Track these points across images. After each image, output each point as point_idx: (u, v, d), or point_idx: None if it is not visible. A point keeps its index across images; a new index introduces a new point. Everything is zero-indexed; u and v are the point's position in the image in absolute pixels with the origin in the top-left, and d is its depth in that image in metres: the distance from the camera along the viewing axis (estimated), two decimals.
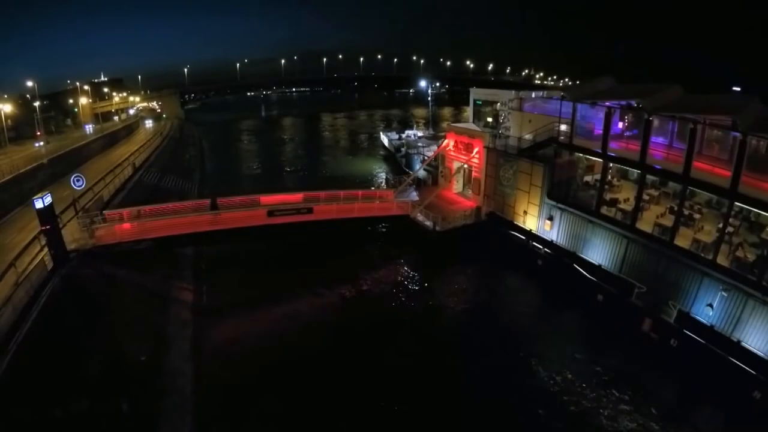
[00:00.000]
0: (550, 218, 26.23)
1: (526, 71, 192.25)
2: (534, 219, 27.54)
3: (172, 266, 25.27)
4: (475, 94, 39.58)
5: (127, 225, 24.18)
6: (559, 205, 25.64)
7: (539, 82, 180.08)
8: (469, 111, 40.22)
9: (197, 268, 26.31)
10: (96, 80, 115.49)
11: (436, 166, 38.92)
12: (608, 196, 24.46)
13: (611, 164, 23.82)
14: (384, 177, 50.95)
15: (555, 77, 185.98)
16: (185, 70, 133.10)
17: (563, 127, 25.75)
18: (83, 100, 75.34)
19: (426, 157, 45.46)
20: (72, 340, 15.88)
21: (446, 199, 33.49)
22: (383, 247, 31.07)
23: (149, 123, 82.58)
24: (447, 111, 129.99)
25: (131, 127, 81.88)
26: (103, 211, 25.00)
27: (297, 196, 29.14)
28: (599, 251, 23.61)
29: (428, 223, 29.08)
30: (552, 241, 26.03)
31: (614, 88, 26.67)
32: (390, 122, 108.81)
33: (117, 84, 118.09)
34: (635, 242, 21.77)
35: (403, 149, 55.03)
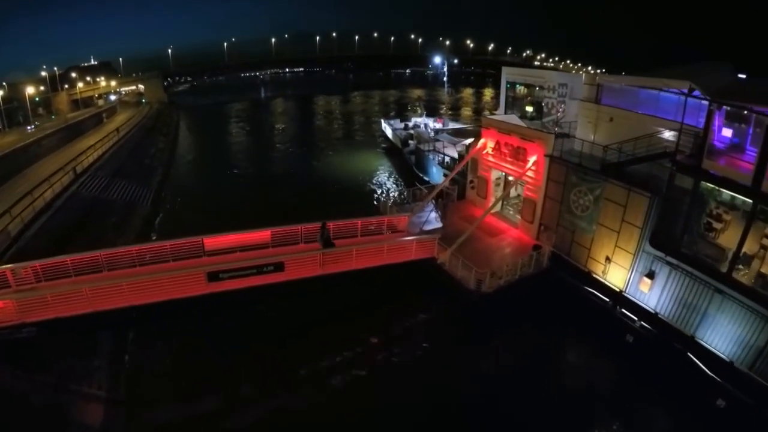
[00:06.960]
0: (650, 275, 17.38)
1: (527, 52, 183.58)
2: (622, 272, 18.64)
3: (82, 359, 16.42)
4: (509, 74, 29.04)
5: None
6: (668, 259, 16.78)
7: (539, 63, 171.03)
8: (501, 96, 30.40)
9: (117, 358, 17.45)
10: (86, 64, 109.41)
11: (462, 173, 29.57)
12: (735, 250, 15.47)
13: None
14: (390, 185, 40.91)
15: (557, 58, 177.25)
16: (169, 51, 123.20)
17: (667, 135, 17.06)
18: (30, 90, 65.86)
19: (447, 158, 36.19)
20: None
21: (482, 226, 24.25)
22: (392, 309, 21.15)
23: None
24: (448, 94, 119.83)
25: (100, 116, 72.41)
26: None
27: (262, 234, 19.80)
28: (727, 336, 15.22)
29: (464, 274, 19.35)
30: (654, 311, 17.34)
31: None
32: (388, 106, 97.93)
33: (106, 68, 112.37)
34: None
35: (411, 143, 44.98)
